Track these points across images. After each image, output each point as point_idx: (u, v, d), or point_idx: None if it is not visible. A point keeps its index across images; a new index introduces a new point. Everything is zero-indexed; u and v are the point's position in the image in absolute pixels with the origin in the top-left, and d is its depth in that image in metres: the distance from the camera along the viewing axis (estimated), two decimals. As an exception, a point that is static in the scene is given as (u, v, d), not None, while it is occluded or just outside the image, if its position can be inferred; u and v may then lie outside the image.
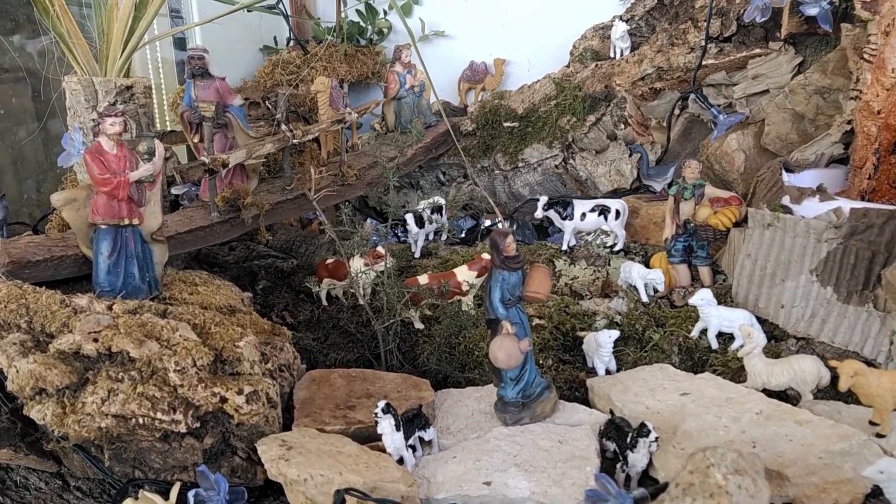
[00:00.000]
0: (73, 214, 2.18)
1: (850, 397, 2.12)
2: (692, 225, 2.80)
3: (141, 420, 1.77)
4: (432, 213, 3.44)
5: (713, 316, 2.45)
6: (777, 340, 2.48)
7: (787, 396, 2.18)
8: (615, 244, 3.20)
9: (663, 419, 2.05)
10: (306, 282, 3.11)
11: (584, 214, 3.17)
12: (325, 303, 3.06)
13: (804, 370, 2.14)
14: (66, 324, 1.89)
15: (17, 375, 1.77)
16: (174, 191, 3.07)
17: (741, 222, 2.77)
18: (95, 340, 1.81)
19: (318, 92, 3.29)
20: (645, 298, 2.77)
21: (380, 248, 2.83)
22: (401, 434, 1.92)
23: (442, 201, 3.53)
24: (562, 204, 3.19)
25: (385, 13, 4.45)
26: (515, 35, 4.28)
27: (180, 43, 4.00)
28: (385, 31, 4.49)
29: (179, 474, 1.89)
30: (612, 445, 1.98)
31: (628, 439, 1.90)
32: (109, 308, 1.99)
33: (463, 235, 3.75)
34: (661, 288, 2.78)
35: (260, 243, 3.62)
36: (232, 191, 2.75)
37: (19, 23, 3.25)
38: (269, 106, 3.45)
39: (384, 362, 2.61)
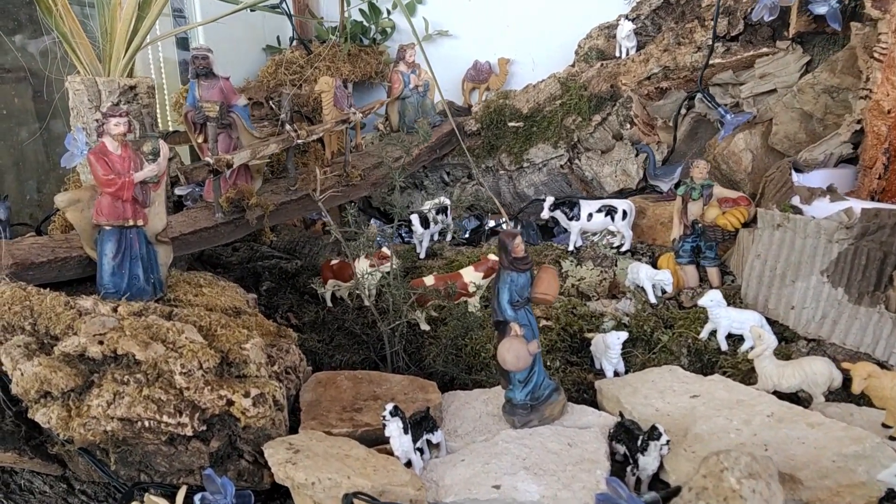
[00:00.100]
0: (77, 215, 2.17)
1: (862, 399, 2.10)
2: (700, 225, 2.78)
3: (147, 423, 1.75)
4: (437, 213, 3.42)
5: (723, 317, 2.43)
6: (787, 342, 2.45)
7: (798, 399, 2.16)
8: (622, 245, 3.18)
9: (673, 422, 2.03)
10: (311, 283, 3.09)
11: (590, 215, 3.14)
12: (329, 304, 3.04)
13: (815, 372, 2.12)
14: (70, 326, 1.88)
15: (22, 378, 1.75)
16: (178, 191, 3.05)
17: (750, 223, 2.75)
18: (101, 343, 1.80)
19: (323, 92, 3.27)
20: (653, 299, 2.75)
21: (385, 249, 2.81)
22: (409, 437, 1.90)
23: (447, 202, 3.51)
24: (568, 204, 3.17)
25: (388, 12, 4.43)
26: (519, 34, 4.26)
27: (183, 43, 3.98)
28: (388, 30, 4.47)
29: (185, 478, 1.87)
30: (621, 448, 1.96)
31: (639, 442, 1.88)
32: (114, 310, 1.98)
33: (467, 236, 3.73)
34: (669, 289, 2.76)
35: (263, 244, 3.60)
36: (236, 191, 2.73)
37: (21, 22, 3.24)
38: (273, 106, 3.43)
39: (390, 364, 2.59)
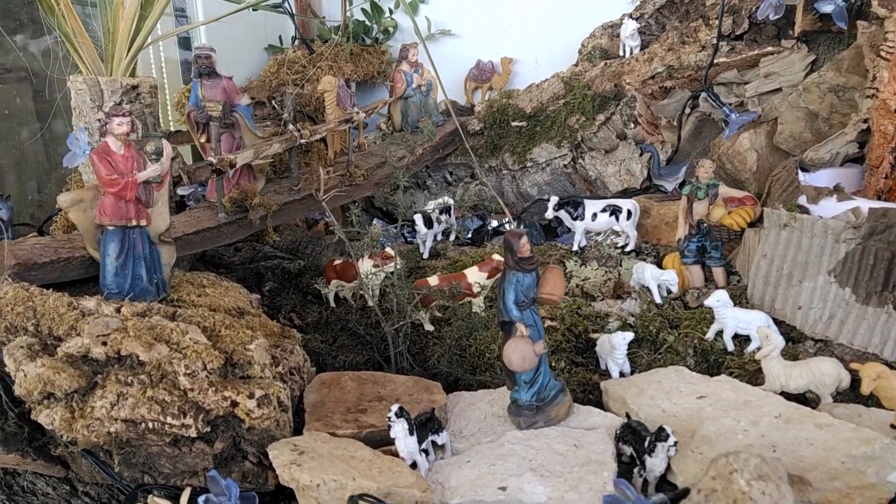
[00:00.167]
0: (80, 216, 2.16)
1: (870, 400, 2.08)
2: (706, 225, 2.76)
3: (151, 424, 1.74)
4: (440, 213, 3.41)
5: (729, 318, 2.42)
6: (794, 342, 2.44)
7: (805, 399, 2.14)
8: (626, 245, 3.17)
9: (680, 423, 2.02)
10: (314, 283, 3.08)
11: (595, 214, 3.13)
12: (332, 304, 3.03)
13: (823, 373, 2.10)
14: (73, 327, 1.86)
15: (25, 379, 1.74)
16: (180, 191, 3.04)
17: (756, 222, 2.74)
18: (104, 344, 1.78)
19: (325, 91, 3.26)
20: (658, 300, 2.73)
21: (389, 249, 2.80)
22: (414, 438, 1.89)
23: (451, 202, 3.50)
24: (573, 204, 3.16)
25: (391, 12, 4.42)
26: (522, 34, 4.25)
27: (185, 42, 3.97)
28: (391, 29, 4.46)
29: (189, 479, 1.86)
30: (628, 449, 1.94)
31: (646, 443, 1.87)
32: (118, 311, 1.96)
33: (469, 236, 3.72)
34: (674, 289, 2.74)
35: (266, 244, 3.59)
36: (239, 191, 2.72)
37: (22, 22, 3.23)
38: (276, 105, 3.42)
39: (394, 365, 2.58)
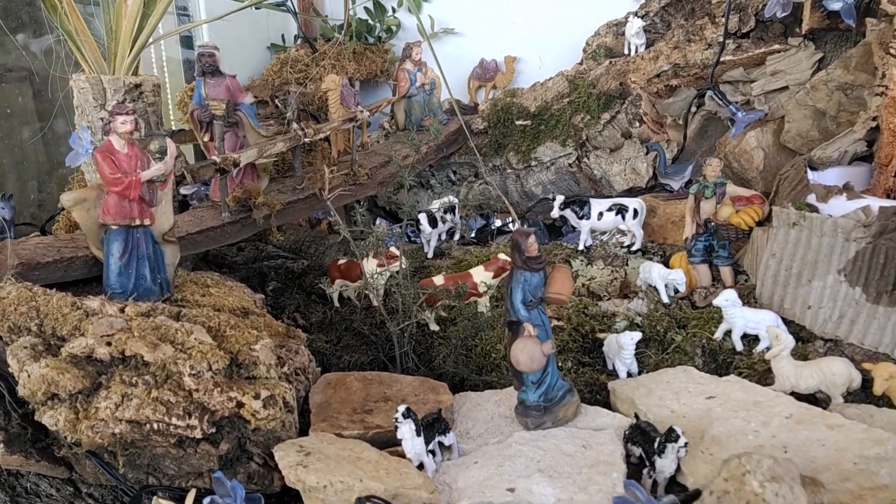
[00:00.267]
0: (83, 215, 2.14)
1: (881, 400, 2.07)
2: (713, 224, 2.74)
3: (155, 425, 1.72)
4: (445, 212, 3.39)
5: (738, 317, 2.39)
6: (804, 342, 2.41)
7: (815, 400, 2.12)
8: (632, 244, 3.15)
9: (690, 423, 2.00)
10: (319, 283, 3.06)
11: (601, 214, 3.11)
12: (336, 304, 3.01)
13: (834, 373, 2.08)
14: (77, 327, 1.84)
15: (29, 380, 1.72)
16: (183, 191, 3.02)
17: (764, 221, 2.72)
18: (109, 344, 1.76)
19: (329, 90, 3.24)
20: (666, 299, 2.71)
21: (393, 249, 2.78)
22: (421, 439, 1.87)
23: (455, 201, 3.48)
24: (578, 203, 3.14)
25: (394, 10, 4.40)
26: (526, 32, 4.23)
27: (187, 41, 3.95)
28: (394, 28, 4.44)
29: (194, 481, 1.84)
30: (637, 450, 1.93)
31: (656, 444, 1.85)
32: (122, 310, 1.95)
33: (472, 235, 3.71)
34: (682, 288, 2.72)
35: (269, 244, 3.57)
36: (243, 190, 2.71)
37: (23, 21, 3.21)
38: (279, 104, 3.40)
39: (399, 365, 2.56)
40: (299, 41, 4.28)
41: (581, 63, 3.90)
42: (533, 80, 4.00)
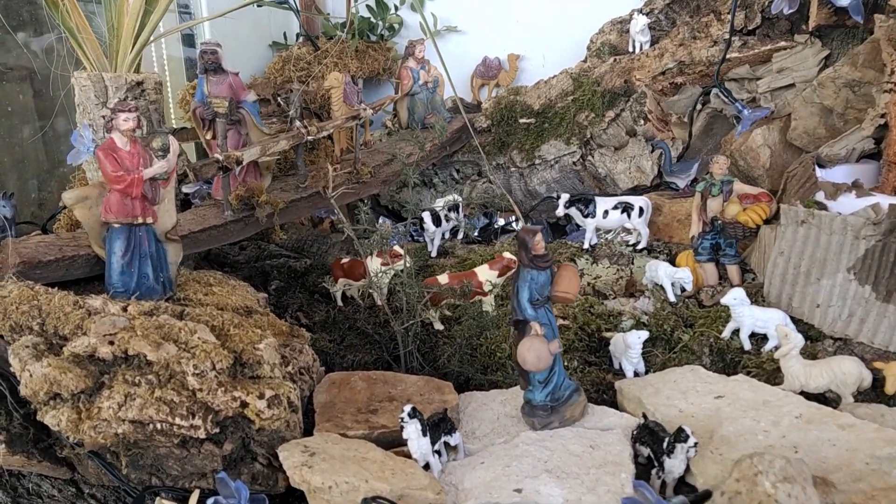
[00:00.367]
0: (85, 213, 2.12)
1: (892, 400, 2.05)
2: (720, 222, 2.72)
3: (159, 426, 1.70)
4: (449, 211, 3.37)
5: (746, 316, 2.37)
6: (813, 341, 2.39)
7: (825, 399, 2.10)
8: (638, 242, 3.13)
9: (698, 423, 1.98)
10: (322, 282, 3.04)
11: (606, 212, 3.09)
12: (340, 303, 2.99)
13: (844, 372, 2.06)
14: (80, 326, 1.83)
15: (31, 380, 1.70)
16: (185, 189, 3.01)
17: (771, 219, 2.69)
18: (111, 343, 1.74)
19: (332, 88, 3.22)
20: (672, 298, 2.69)
21: (397, 248, 2.76)
22: (427, 439, 1.85)
23: (459, 199, 3.46)
24: (584, 201, 3.12)
25: (396, 8, 4.38)
26: (529, 30, 4.21)
27: (188, 39, 3.94)
28: (396, 26, 4.42)
29: (198, 481, 1.82)
30: (645, 450, 1.90)
31: (665, 444, 1.82)
32: (124, 309, 1.93)
33: (476, 234, 3.69)
34: (688, 287, 2.70)
35: (272, 242, 3.55)
36: (246, 189, 2.68)
37: (24, 20, 3.20)
38: (281, 102, 3.38)
39: (404, 364, 2.54)
40: (301, 39, 4.26)
41: (585, 61, 3.88)
42: (536, 78, 3.98)
